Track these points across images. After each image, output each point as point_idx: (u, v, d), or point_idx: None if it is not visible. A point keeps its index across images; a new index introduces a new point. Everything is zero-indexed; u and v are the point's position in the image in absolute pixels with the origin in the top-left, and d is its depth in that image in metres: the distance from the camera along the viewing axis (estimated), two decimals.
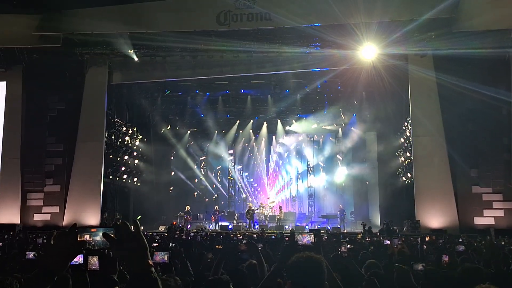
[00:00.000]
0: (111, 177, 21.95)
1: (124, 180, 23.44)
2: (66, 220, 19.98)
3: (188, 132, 27.60)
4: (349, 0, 18.20)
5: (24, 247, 9.34)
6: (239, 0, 18.83)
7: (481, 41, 18.26)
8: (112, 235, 1.96)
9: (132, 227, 1.94)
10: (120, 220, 1.95)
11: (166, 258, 5.60)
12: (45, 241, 2.25)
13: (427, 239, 10.49)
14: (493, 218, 18.80)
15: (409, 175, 21.22)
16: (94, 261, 4.59)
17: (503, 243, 13.70)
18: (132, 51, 20.29)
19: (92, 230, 2.12)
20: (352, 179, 27.12)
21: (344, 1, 18.26)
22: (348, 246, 5.82)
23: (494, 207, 18.95)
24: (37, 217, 20.34)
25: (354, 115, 25.28)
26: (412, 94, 19.84)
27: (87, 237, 2.11)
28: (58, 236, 2.11)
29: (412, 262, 5.98)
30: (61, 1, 19.12)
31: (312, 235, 3.77)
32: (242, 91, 24.50)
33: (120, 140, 22.89)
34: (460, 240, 13.55)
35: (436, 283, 4.60)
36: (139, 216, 21.28)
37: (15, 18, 19.81)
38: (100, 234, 2.08)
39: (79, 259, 4.64)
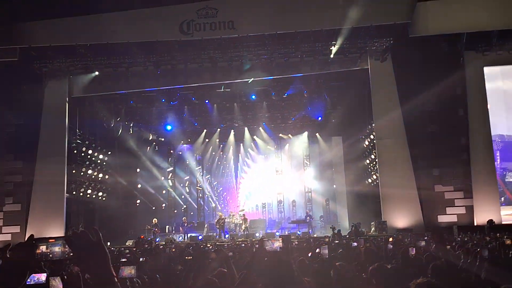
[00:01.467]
0: (74, 192, 21.34)
1: (88, 195, 22.84)
2: None
3: (154, 143, 27.24)
4: (309, 8, 18.59)
5: None
6: (201, 10, 18.82)
7: (437, 45, 19.06)
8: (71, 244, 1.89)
9: (92, 236, 1.88)
10: (80, 229, 1.92)
11: (133, 272, 5.50)
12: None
13: (390, 240, 10.75)
14: (456, 215, 19.47)
15: (374, 177, 21.69)
16: (57, 282, 4.43)
17: (466, 239, 14.16)
18: (92, 64, 19.94)
19: (50, 240, 2.06)
20: (320, 184, 27.44)
21: (304, 9, 18.60)
22: (323, 251, 5.85)
23: (456, 205, 19.62)
24: None
25: (319, 118, 25.55)
26: (374, 98, 20.33)
27: (43, 248, 2.04)
28: (14, 248, 2.02)
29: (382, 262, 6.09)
30: (17, 14, 18.59)
31: (281, 240, 3.80)
32: (207, 101, 24.38)
33: (83, 154, 22.33)
34: (426, 238, 13.88)
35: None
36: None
37: None
38: (59, 244, 2.02)
39: (42, 278, 4.47)
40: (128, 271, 5.47)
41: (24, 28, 19.02)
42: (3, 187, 19.84)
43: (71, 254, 1.91)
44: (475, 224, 18.87)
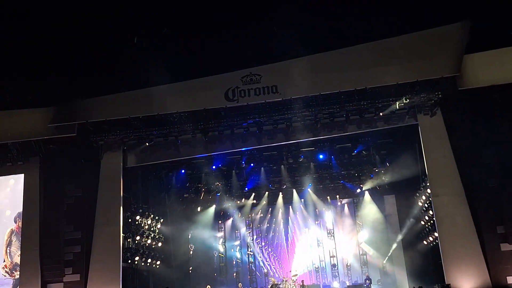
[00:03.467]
0: (129, 261, 21.59)
1: (143, 263, 23.01)
2: None
3: (204, 207, 27.45)
4: (353, 68, 18.81)
5: None
6: (245, 77, 19.51)
7: (489, 96, 18.47)
8: None
9: None
10: None
11: None
12: None
13: None
14: None
15: (433, 236, 20.59)
16: None
17: None
18: (144, 134, 20.84)
19: None
20: (375, 245, 26.33)
21: (348, 69, 18.83)
22: None
23: None
24: None
25: (371, 177, 25.01)
26: (426, 153, 19.72)
27: None
28: None
29: None
30: (74, 92, 20.00)
31: None
32: (252, 164, 24.56)
33: (137, 222, 22.81)
34: None
35: None
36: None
37: (30, 113, 20.65)
38: None
39: None
40: None
41: (81, 105, 20.34)
42: (63, 258, 20.41)
43: None
44: None
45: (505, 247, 18.34)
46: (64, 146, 20.82)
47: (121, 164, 21.61)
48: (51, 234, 20.57)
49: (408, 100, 19.24)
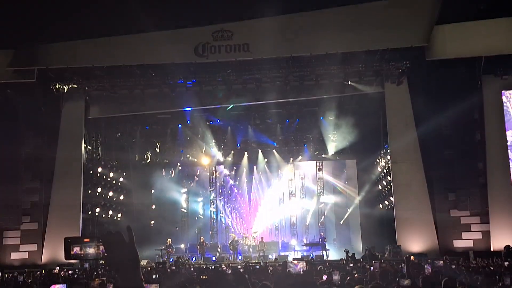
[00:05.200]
0: (90, 212, 21.46)
1: (104, 216, 22.94)
2: (45, 258, 19.36)
3: (168, 163, 27.36)
4: (325, 32, 18.77)
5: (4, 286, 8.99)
6: (216, 32, 19.11)
7: (454, 69, 19.00)
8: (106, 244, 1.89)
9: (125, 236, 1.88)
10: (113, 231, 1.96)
11: None
12: (25, 279, 2.21)
13: (412, 258, 10.62)
14: (472, 240, 19.12)
15: (388, 201, 21.47)
16: None
17: (484, 264, 13.88)
18: (109, 85, 20.29)
19: (85, 240, 2.09)
20: (334, 206, 27.22)
21: (320, 33, 18.78)
22: (338, 275, 5.77)
23: (472, 230, 19.29)
24: (14, 255, 19.69)
25: (334, 143, 25.53)
26: (389, 121, 20.27)
27: (77, 249, 2.08)
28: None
29: (398, 278, 6.06)
30: (35, 36, 19.04)
31: (304, 263, 3.81)
32: (218, 121, 24.45)
33: (98, 174, 22.54)
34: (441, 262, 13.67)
35: None
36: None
37: None
38: (92, 246, 2.06)
39: None
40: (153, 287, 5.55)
41: (42, 50, 19.47)
42: (21, 206, 20.04)
43: (105, 255, 1.92)
44: (492, 249, 18.46)
45: (454, 213, 19.46)
46: (23, 92, 19.95)
47: (83, 114, 21.08)
48: (8, 181, 20.03)
49: (377, 67, 19.54)
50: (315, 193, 27.79)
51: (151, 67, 19.74)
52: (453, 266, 12.11)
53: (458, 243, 19.16)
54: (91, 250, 2.07)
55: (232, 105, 21.23)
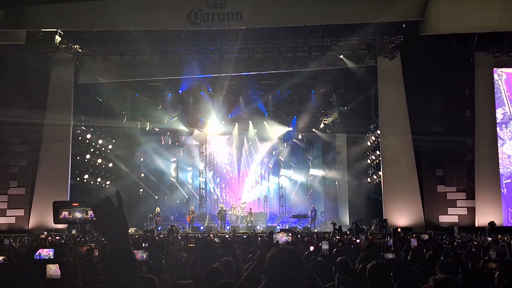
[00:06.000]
0: (78, 178, 21.41)
1: (92, 182, 22.92)
2: (32, 223, 19.39)
3: (158, 132, 27.22)
4: (319, 3, 18.50)
5: None
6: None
7: (447, 45, 18.93)
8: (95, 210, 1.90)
9: (114, 201, 1.89)
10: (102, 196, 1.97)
11: (145, 256, 5.62)
12: (12, 243, 2.20)
13: (399, 230, 10.76)
14: (457, 216, 19.53)
15: (377, 175, 21.68)
16: (53, 269, 4.47)
17: (468, 239, 14.15)
18: (99, 50, 19.92)
19: (74, 204, 2.07)
20: (322, 180, 27.44)
21: (314, 4, 18.51)
22: (327, 245, 5.82)
23: (457, 206, 19.64)
24: (1, 220, 19.68)
25: (328, 116, 25.52)
26: (381, 95, 20.27)
27: (66, 213, 2.06)
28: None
29: (383, 253, 6.14)
30: None
31: (290, 234, 3.84)
32: (210, 89, 24.23)
33: (87, 140, 22.37)
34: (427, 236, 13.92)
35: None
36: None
37: None
38: (81, 210, 2.04)
39: (50, 253, 4.55)
40: (141, 254, 5.57)
41: (31, 11, 18.95)
42: (8, 171, 19.92)
43: (93, 219, 1.93)
44: (476, 225, 18.87)
45: (441, 188, 19.75)
46: (11, 55, 19.54)
47: (73, 79, 20.76)
48: None
49: (370, 41, 19.39)
50: (305, 166, 27.97)
51: (142, 33, 19.33)
52: (438, 241, 12.35)
53: (443, 218, 19.54)
54: (79, 215, 2.04)
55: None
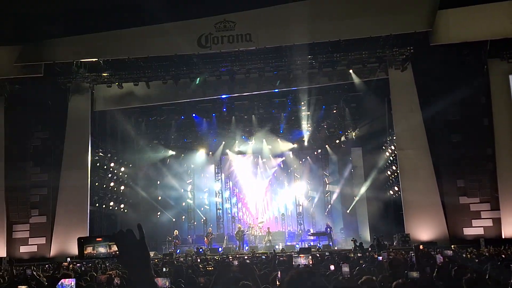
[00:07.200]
0: (97, 204, 21.62)
1: (110, 207, 23.11)
2: (54, 251, 19.57)
3: (173, 155, 27.41)
4: (327, 19, 18.59)
5: (15, 280, 9.05)
6: (219, 23, 19.00)
7: (459, 53, 18.73)
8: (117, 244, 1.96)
9: (136, 234, 1.93)
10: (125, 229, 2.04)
11: (167, 284, 5.59)
12: (33, 272, 2.24)
13: (421, 247, 10.46)
14: (482, 228, 18.90)
15: (396, 188, 21.35)
16: None
17: (496, 252, 13.72)
18: (114, 78, 20.33)
19: (98, 239, 2.10)
20: (340, 195, 27.15)
21: (322, 20, 18.60)
22: (348, 268, 5.67)
23: (482, 217, 19.07)
24: (23, 249, 19.90)
25: (340, 132, 25.42)
26: (395, 108, 20.11)
27: (90, 249, 2.09)
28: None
29: (407, 271, 6.00)
30: (41, 31, 19.06)
31: (310, 257, 3.80)
32: (224, 108, 24.39)
33: (105, 166, 22.65)
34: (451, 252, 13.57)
35: None
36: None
37: None
38: (105, 245, 2.08)
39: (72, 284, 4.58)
40: (163, 282, 5.55)
41: (48, 45, 19.50)
42: (29, 200, 20.25)
43: (116, 253, 1.97)
44: (503, 237, 18.28)
45: (463, 200, 19.23)
46: (31, 87, 20.06)
47: (90, 107, 21.18)
48: (17, 176, 20.22)
49: (380, 54, 19.34)
50: (321, 182, 27.76)
51: (155, 59, 19.70)
52: (463, 255, 12.02)
53: (468, 231, 18.93)
54: (103, 250, 2.08)
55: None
